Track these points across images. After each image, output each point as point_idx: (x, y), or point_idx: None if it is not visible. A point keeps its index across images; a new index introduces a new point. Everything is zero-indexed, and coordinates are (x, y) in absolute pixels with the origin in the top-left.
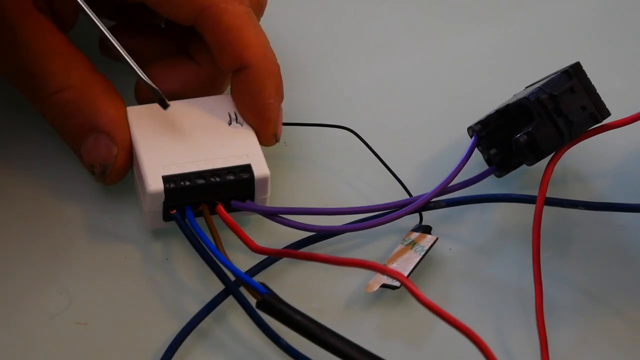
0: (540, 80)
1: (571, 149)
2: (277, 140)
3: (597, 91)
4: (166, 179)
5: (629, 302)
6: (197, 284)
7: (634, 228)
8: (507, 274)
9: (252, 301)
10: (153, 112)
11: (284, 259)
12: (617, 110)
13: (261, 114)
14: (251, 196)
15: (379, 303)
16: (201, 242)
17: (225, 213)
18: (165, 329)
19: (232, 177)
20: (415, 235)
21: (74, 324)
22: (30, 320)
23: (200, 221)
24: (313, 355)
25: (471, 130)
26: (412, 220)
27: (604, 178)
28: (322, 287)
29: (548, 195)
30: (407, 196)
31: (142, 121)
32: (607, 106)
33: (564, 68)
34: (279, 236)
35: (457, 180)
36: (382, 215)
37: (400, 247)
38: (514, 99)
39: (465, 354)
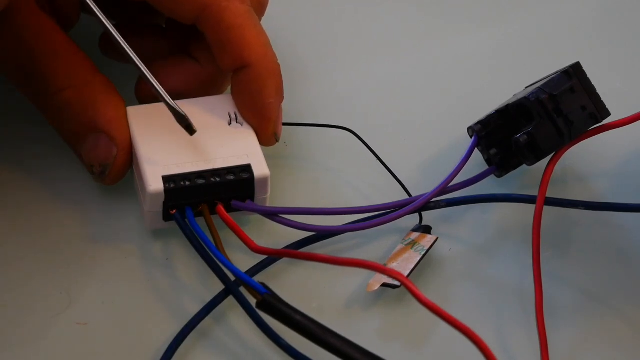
0: (540, 80)
1: (571, 149)
2: (277, 140)
3: (597, 91)
4: (166, 179)
5: (629, 302)
6: (197, 284)
7: (634, 228)
8: (507, 274)
9: (252, 301)
10: (153, 112)
11: (284, 259)
12: (617, 110)
13: (261, 113)
14: (251, 196)
15: (379, 303)
16: (201, 242)
17: (225, 213)
18: (165, 329)
19: (232, 177)
20: (415, 235)
21: (74, 324)
22: (30, 320)
23: (200, 221)
24: (313, 355)
25: (471, 130)
26: (412, 220)
27: (604, 178)
28: (322, 287)
29: (548, 195)
30: (407, 196)
31: (142, 121)
32: (607, 106)
33: (564, 68)
34: (279, 236)
35: (457, 180)
36: (382, 215)
37: (400, 246)
38: (514, 99)
39: (466, 354)
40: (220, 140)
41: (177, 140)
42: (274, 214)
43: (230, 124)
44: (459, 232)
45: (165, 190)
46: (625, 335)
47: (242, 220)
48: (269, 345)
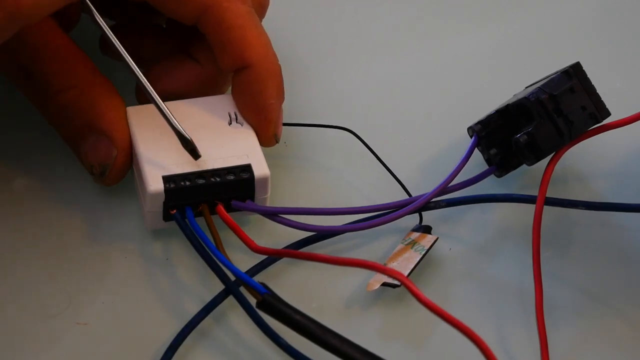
0: (540, 80)
1: (571, 149)
2: (277, 141)
3: (597, 91)
4: (166, 179)
5: (629, 302)
6: (197, 284)
7: (634, 228)
8: (507, 274)
9: (252, 301)
10: (153, 112)
11: (284, 259)
12: (617, 110)
13: (262, 114)
14: (251, 196)
15: (379, 303)
16: (201, 242)
17: (225, 213)
18: (165, 329)
19: (232, 177)
20: (415, 235)
21: (74, 324)
22: (30, 320)
23: (200, 221)
24: (313, 355)
25: (471, 130)
26: (412, 220)
27: (604, 178)
28: (322, 287)
29: (548, 195)
30: (407, 196)
31: (142, 121)
32: (607, 106)
33: (564, 68)
34: (279, 236)
35: (457, 180)
36: (382, 215)
37: (400, 246)
38: (514, 99)
39: (466, 354)
40: (220, 140)
41: (177, 141)
42: (274, 214)
43: (230, 124)
44: (459, 232)
45: (166, 190)
46: (625, 335)
47: (242, 220)
48: (269, 345)
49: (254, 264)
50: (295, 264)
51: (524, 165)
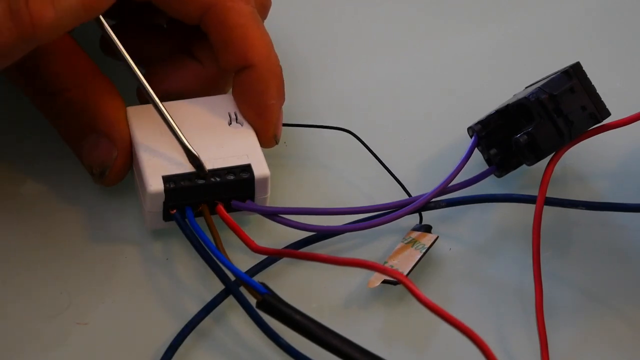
0: (540, 80)
1: (571, 149)
2: (277, 142)
3: (597, 91)
4: (166, 179)
5: (629, 302)
6: (197, 284)
7: (634, 228)
8: (507, 274)
9: (252, 301)
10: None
11: (284, 259)
12: (617, 110)
13: (262, 114)
14: (251, 196)
15: (379, 302)
16: (201, 242)
17: (226, 213)
18: (165, 329)
19: (232, 177)
20: (415, 234)
21: (74, 324)
22: (30, 320)
23: (200, 221)
24: (313, 355)
25: (471, 130)
26: (412, 220)
27: (604, 178)
28: (322, 287)
29: (548, 195)
30: (407, 196)
31: (142, 121)
32: (607, 106)
33: (564, 68)
34: (279, 236)
35: (457, 180)
36: (382, 215)
37: (401, 244)
38: (514, 99)
39: (466, 354)
40: (220, 140)
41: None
42: (274, 214)
43: (230, 124)
44: (459, 232)
45: (166, 190)
46: (625, 335)
47: (242, 220)
48: (269, 345)
49: (254, 264)
50: (295, 264)
51: (524, 165)
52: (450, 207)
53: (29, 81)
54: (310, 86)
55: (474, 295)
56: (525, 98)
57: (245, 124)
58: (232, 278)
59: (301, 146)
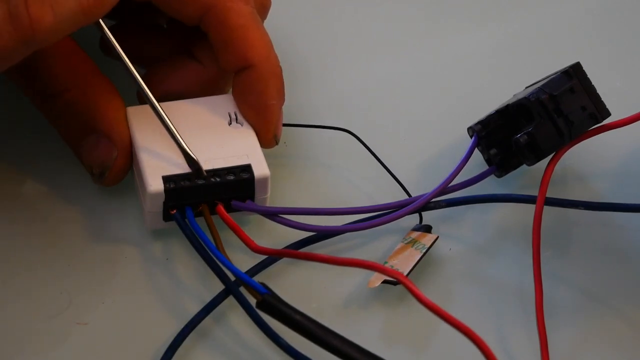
0: (540, 80)
1: (571, 149)
2: (277, 142)
3: (597, 91)
4: (166, 179)
5: (629, 302)
6: (197, 284)
7: (634, 228)
8: (507, 274)
9: (252, 301)
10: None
11: (284, 259)
12: (617, 110)
13: (263, 114)
14: (251, 196)
15: (379, 303)
16: (201, 242)
17: (226, 213)
18: (165, 329)
19: (232, 177)
20: (416, 234)
21: (74, 324)
22: (30, 320)
23: (200, 221)
24: (313, 355)
25: (471, 130)
26: (412, 220)
27: (604, 178)
28: (322, 287)
29: (548, 195)
30: (407, 196)
31: (142, 121)
32: (607, 106)
33: (564, 68)
34: (279, 236)
35: (457, 180)
36: (382, 215)
37: (401, 245)
38: (514, 99)
39: (466, 354)
40: (220, 140)
41: None
42: (274, 214)
43: (230, 124)
44: (459, 232)
45: (166, 190)
46: (625, 335)
47: (242, 220)
48: (269, 345)
49: (254, 264)
50: (295, 264)
51: (524, 165)
52: (450, 207)
53: (29, 82)
54: (310, 86)
55: (474, 295)
56: (525, 98)
57: (245, 124)
58: (232, 278)
59: (301, 146)
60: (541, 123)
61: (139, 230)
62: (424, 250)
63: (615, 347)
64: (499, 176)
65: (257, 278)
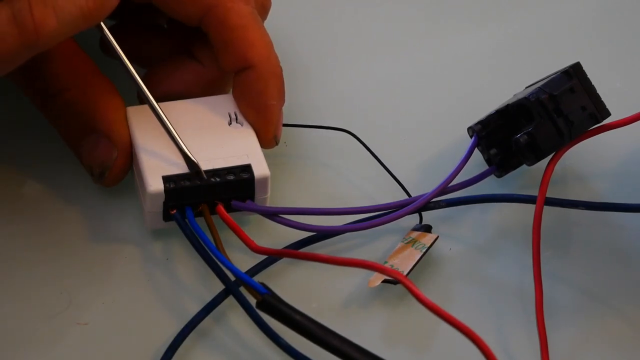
0: (540, 80)
1: (571, 149)
2: (277, 143)
3: (597, 91)
4: (166, 179)
5: (629, 302)
6: (197, 284)
7: (634, 228)
8: (507, 274)
9: (252, 301)
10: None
11: (284, 259)
12: (617, 110)
13: (263, 114)
14: (251, 196)
15: (379, 302)
16: (201, 242)
17: (226, 213)
18: (165, 329)
19: (232, 177)
20: (416, 233)
21: (74, 324)
22: (30, 320)
23: (200, 221)
24: (313, 355)
25: (471, 130)
26: (412, 220)
27: (604, 178)
28: (322, 287)
29: (548, 195)
30: (407, 196)
31: (142, 121)
32: (607, 106)
33: (564, 68)
34: (279, 236)
35: (457, 180)
36: (382, 215)
37: (401, 244)
38: (514, 99)
39: (466, 354)
40: (220, 140)
41: None
42: (274, 214)
43: (230, 124)
44: (459, 232)
45: (165, 190)
46: (625, 335)
47: (242, 220)
48: (269, 345)
49: (254, 264)
50: (295, 264)
51: (524, 165)
52: (450, 207)
53: (29, 82)
54: (310, 86)
55: (474, 295)
56: (525, 98)
57: (246, 124)
58: (232, 278)
59: (301, 146)
60: (541, 123)
61: (139, 230)
62: (424, 250)
63: (615, 347)
64: (499, 176)
65: (257, 278)
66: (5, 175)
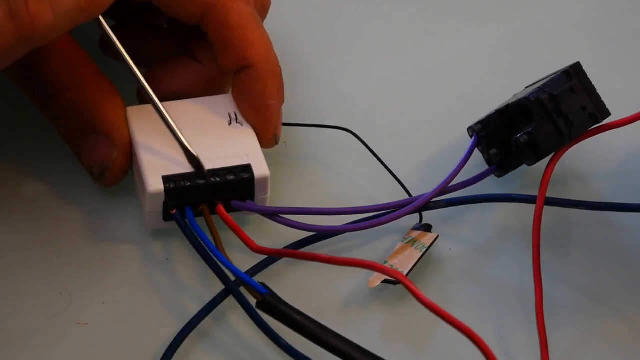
0: (540, 80)
1: (571, 149)
2: (276, 142)
3: (597, 91)
4: (166, 179)
5: (629, 302)
6: (197, 284)
7: (634, 228)
8: (507, 274)
9: (252, 301)
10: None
11: (284, 259)
12: (617, 110)
13: (262, 114)
14: (251, 196)
15: (379, 302)
16: (201, 242)
17: (226, 213)
18: (165, 329)
19: (232, 177)
20: (416, 233)
21: (74, 324)
22: (30, 320)
23: (200, 221)
24: (313, 355)
25: (471, 130)
26: (412, 220)
27: (604, 178)
28: (322, 287)
29: (548, 195)
30: (407, 196)
31: (142, 121)
32: (607, 106)
33: (564, 68)
34: (279, 236)
35: (457, 180)
36: (382, 215)
37: (401, 244)
38: (514, 99)
39: (466, 354)
40: (220, 140)
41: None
42: (274, 214)
43: (230, 124)
44: (459, 232)
45: (166, 190)
46: (625, 335)
47: (242, 220)
48: (269, 345)
49: (254, 264)
50: (295, 264)
51: (524, 165)
52: (450, 207)
53: (29, 82)
54: (310, 86)
55: (474, 295)
56: (525, 98)
57: (245, 124)
58: (232, 278)
59: (301, 146)
60: (541, 123)
61: (139, 230)
62: (424, 250)
63: (615, 347)
64: (499, 176)
65: (257, 278)
66: (5, 174)
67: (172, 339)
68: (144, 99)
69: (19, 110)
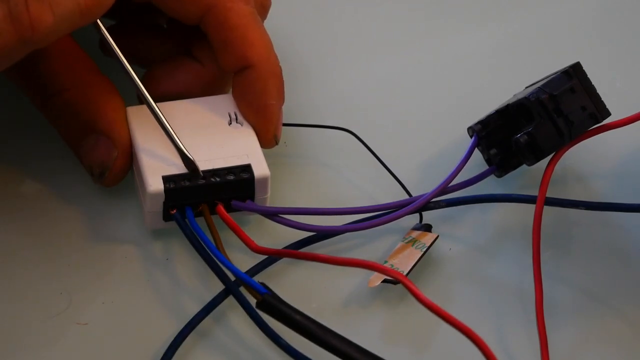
0: (540, 80)
1: (571, 149)
2: (276, 142)
3: (597, 91)
4: (166, 179)
5: (629, 302)
6: (197, 284)
7: (634, 228)
8: (507, 274)
9: (252, 301)
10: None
11: (284, 259)
12: (617, 110)
13: (262, 114)
14: (251, 196)
15: (379, 302)
16: (201, 242)
17: (226, 213)
18: (165, 329)
19: (232, 177)
20: (416, 233)
21: (74, 324)
22: (30, 320)
23: (200, 221)
24: (313, 355)
25: (471, 130)
26: (412, 220)
27: (604, 178)
28: (322, 287)
29: (548, 195)
30: (407, 196)
31: (142, 121)
32: (607, 106)
33: (564, 68)
34: (279, 236)
35: (457, 180)
36: (382, 215)
37: (401, 244)
38: (514, 99)
39: (466, 354)
40: (220, 140)
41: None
42: (274, 214)
43: (230, 124)
44: (459, 232)
45: (165, 190)
46: (625, 335)
47: (242, 220)
48: (269, 345)
49: (254, 264)
50: (295, 264)
51: (524, 165)
52: (450, 207)
53: (29, 82)
54: (310, 86)
55: (474, 295)
56: (525, 98)
57: (245, 124)
58: (232, 278)
59: (301, 146)
60: (541, 123)
61: (139, 230)
62: (424, 250)
63: (615, 347)
64: (499, 176)
65: (257, 278)
66: (5, 174)
67: (172, 339)
68: (141, 97)
69: (19, 110)
